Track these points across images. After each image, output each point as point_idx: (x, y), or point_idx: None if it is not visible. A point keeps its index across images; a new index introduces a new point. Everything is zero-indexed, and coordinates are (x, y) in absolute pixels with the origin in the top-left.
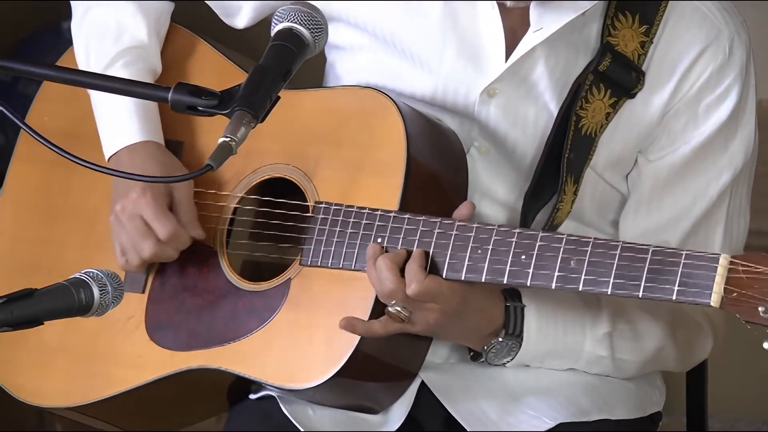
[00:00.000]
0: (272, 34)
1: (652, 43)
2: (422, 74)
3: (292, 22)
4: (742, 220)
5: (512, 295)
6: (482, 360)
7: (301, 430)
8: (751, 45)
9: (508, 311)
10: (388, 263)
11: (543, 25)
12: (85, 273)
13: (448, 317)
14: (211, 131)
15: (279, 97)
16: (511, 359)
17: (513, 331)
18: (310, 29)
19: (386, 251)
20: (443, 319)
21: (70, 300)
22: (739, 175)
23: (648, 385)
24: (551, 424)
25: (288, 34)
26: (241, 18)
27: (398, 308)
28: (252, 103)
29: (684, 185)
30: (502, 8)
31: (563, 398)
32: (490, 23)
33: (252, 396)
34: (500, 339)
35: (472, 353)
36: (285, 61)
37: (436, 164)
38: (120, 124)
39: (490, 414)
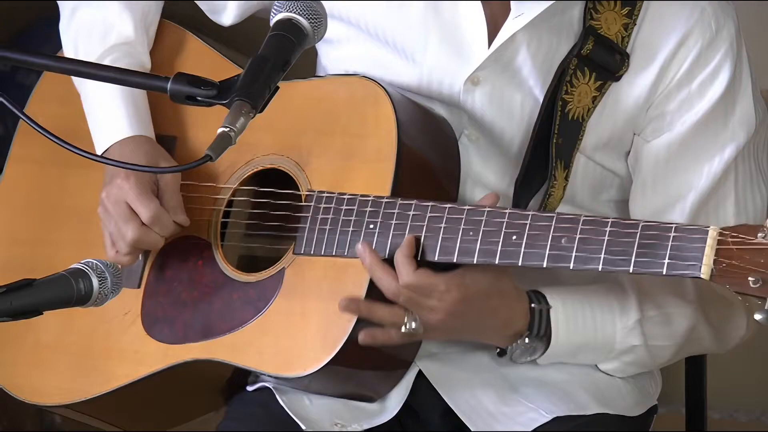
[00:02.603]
0: (271, 24)
1: (635, 24)
2: (407, 65)
3: (291, 12)
4: (757, 194)
5: (537, 295)
6: (507, 357)
7: (296, 420)
8: (738, 19)
9: (533, 313)
10: (383, 270)
11: (523, 10)
12: (83, 263)
13: (453, 317)
14: (204, 126)
15: (278, 87)
16: (538, 357)
17: (538, 333)
18: (309, 20)
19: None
20: (448, 320)
21: (69, 290)
22: (744, 148)
23: (645, 376)
24: (548, 417)
25: (287, 24)
26: (226, 15)
27: (412, 325)
28: (251, 93)
29: (686, 163)
30: None
31: (561, 391)
32: (472, 12)
33: (249, 388)
34: (526, 341)
35: (498, 350)
36: (284, 51)
37: (427, 150)
38: (110, 121)
39: (487, 405)
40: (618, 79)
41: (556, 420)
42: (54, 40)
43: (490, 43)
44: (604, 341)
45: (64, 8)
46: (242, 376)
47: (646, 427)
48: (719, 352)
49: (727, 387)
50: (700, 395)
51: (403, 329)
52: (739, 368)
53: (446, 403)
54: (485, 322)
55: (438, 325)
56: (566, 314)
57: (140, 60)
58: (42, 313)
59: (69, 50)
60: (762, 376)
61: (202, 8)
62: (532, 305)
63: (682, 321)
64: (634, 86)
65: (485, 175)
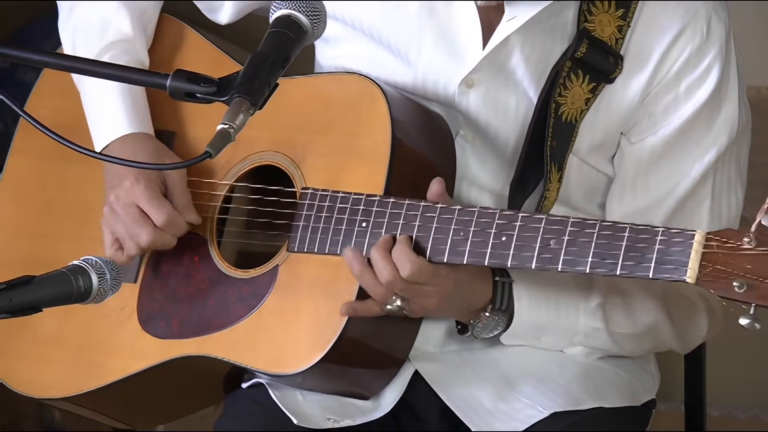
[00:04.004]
0: (271, 21)
1: (629, 27)
2: (402, 65)
3: (291, 9)
4: (732, 198)
5: (501, 270)
6: (468, 334)
7: (289, 415)
8: (730, 23)
9: (496, 286)
10: (381, 252)
11: (517, 13)
12: (83, 260)
13: (446, 299)
14: (203, 121)
15: (277, 84)
16: (499, 333)
17: (500, 306)
18: (308, 16)
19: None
20: (442, 302)
21: (69, 287)
22: (724, 153)
23: (642, 371)
24: (545, 413)
25: (287, 21)
26: (223, 14)
27: (398, 303)
28: (250, 90)
29: (668, 166)
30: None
31: (558, 386)
32: (467, 14)
33: (243, 385)
34: (487, 314)
35: (459, 327)
36: (283, 48)
37: (422, 149)
38: (109, 117)
39: (484, 402)
40: (611, 81)
41: (554, 416)
42: (54, 37)
43: (484, 44)
44: (568, 322)
45: (62, 6)
46: (239, 371)
47: (645, 422)
48: (681, 351)
49: (726, 384)
50: (699, 392)
51: (387, 307)
52: (738, 365)
53: (443, 402)
54: (466, 299)
55: (429, 308)
56: (529, 291)
57: (139, 57)
58: (41, 310)
59: (67, 48)
60: (761, 374)
61: (198, 7)
62: (496, 278)
63: (644, 315)
64: (628, 88)
65: (480, 176)
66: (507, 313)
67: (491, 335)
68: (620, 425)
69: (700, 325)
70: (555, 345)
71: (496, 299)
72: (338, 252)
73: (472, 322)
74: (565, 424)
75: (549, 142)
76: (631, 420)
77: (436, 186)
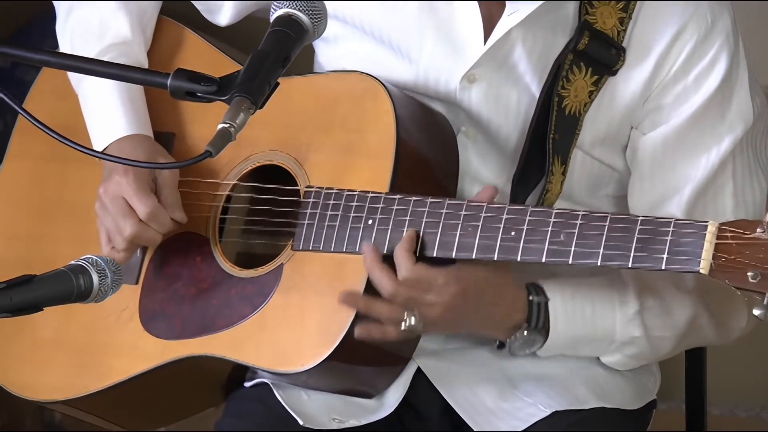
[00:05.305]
0: (271, 20)
1: (630, 19)
2: (403, 64)
3: (291, 8)
4: (756, 184)
5: (536, 287)
6: (506, 350)
7: (293, 415)
8: (734, 14)
9: (531, 306)
10: (381, 270)
11: (518, 8)
12: (84, 259)
13: (452, 311)
14: (202, 122)
15: (278, 84)
16: (537, 349)
17: (536, 325)
18: (309, 15)
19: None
20: (447, 314)
21: (69, 286)
22: (741, 140)
23: (644, 371)
24: (547, 412)
25: (287, 20)
26: (222, 15)
27: (412, 321)
28: (251, 89)
29: (684, 155)
30: None
31: (560, 386)
32: (468, 10)
33: (246, 384)
34: (525, 333)
35: (498, 343)
36: (284, 47)
37: (426, 146)
38: (107, 119)
39: (486, 401)
40: (614, 73)
41: (555, 415)
42: (53, 36)
43: (486, 40)
44: (604, 333)
45: (60, 9)
46: (241, 371)
47: (646, 422)
48: (721, 343)
49: (727, 383)
50: (700, 391)
51: (402, 326)
52: (739, 364)
53: (445, 400)
54: (484, 315)
55: (436, 320)
56: (565, 306)
57: (137, 59)
58: (42, 309)
59: (65, 50)
60: (762, 372)
61: (198, 8)
62: (530, 297)
63: (682, 311)
64: (631, 80)
65: (483, 172)
66: (544, 330)
67: (529, 351)
68: (621, 425)
69: (740, 315)
70: (592, 354)
71: (531, 319)
72: (344, 249)
73: (509, 340)
74: (566, 424)
75: (551, 135)
76: (632, 419)
77: (486, 193)
